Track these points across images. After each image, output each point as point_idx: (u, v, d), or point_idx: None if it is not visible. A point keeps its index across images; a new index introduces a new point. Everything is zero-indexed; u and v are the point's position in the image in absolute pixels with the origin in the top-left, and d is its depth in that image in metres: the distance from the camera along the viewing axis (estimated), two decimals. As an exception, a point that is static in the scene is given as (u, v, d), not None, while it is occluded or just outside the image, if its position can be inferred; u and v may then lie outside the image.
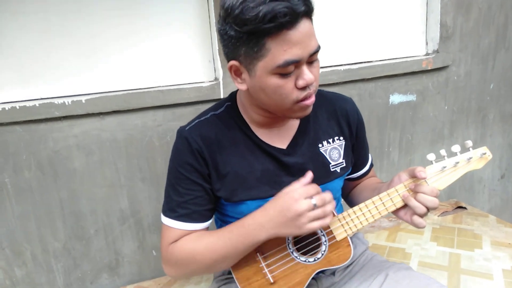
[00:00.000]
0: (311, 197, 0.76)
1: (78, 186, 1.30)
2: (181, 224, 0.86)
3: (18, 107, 1.17)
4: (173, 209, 0.87)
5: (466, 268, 1.29)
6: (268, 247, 0.85)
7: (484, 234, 1.50)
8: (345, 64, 1.59)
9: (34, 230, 1.29)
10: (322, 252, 0.86)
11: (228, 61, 0.79)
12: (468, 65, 1.79)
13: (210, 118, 0.90)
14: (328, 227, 0.85)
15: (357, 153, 1.01)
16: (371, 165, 1.08)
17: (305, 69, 0.74)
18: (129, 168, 1.35)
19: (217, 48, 1.35)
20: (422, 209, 0.80)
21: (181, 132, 0.88)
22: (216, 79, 1.41)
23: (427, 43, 1.74)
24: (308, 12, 0.72)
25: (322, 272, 0.95)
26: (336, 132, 0.95)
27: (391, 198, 0.85)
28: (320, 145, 0.92)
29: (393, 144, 1.75)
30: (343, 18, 1.58)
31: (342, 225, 0.86)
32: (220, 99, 1.34)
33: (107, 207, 1.35)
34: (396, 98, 1.70)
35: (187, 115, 1.36)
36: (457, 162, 0.85)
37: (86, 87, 1.29)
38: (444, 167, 0.85)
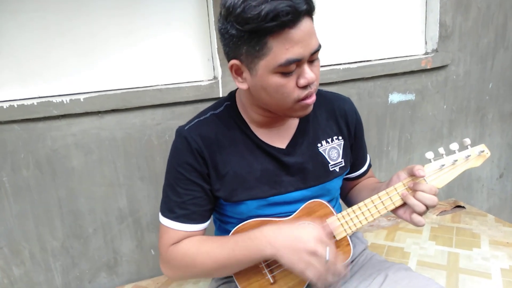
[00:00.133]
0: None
1: (77, 185, 1.30)
2: (180, 225, 0.86)
3: (16, 106, 1.17)
4: (171, 209, 0.86)
5: (465, 267, 1.29)
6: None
7: (482, 233, 1.50)
8: (344, 63, 1.59)
9: (32, 229, 1.28)
10: (322, 252, 0.86)
11: (229, 60, 0.79)
12: (467, 64, 1.80)
13: (210, 117, 0.89)
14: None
15: (355, 153, 1.01)
16: (369, 165, 1.08)
17: (306, 68, 0.74)
18: (127, 167, 1.34)
19: (216, 46, 1.34)
20: (421, 208, 0.81)
21: (180, 132, 0.88)
22: (215, 77, 1.41)
23: (426, 43, 1.74)
24: (309, 11, 0.72)
25: (321, 271, 0.95)
26: (335, 131, 0.95)
27: (390, 197, 0.85)
28: (319, 145, 0.92)
29: (392, 143, 1.76)
30: (342, 17, 1.58)
31: (341, 224, 0.86)
32: (219, 97, 1.34)
33: (105, 206, 1.35)
34: (395, 97, 1.70)
35: (186, 114, 1.35)
36: (456, 160, 0.85)
37: (85, 86, 1.29)
38: (443, 165, 0.85)
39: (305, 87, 0.76)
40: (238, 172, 0.86)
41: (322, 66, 1.52)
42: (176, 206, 0.86)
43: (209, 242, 0.84)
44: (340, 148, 0.95)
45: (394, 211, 0.86)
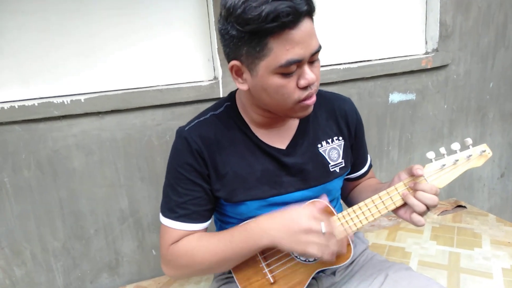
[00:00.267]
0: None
1: (78, 186, 1.30)
2: (180, 224, 0.86)
3: (17, 107, 1.17)
4: (172, 209, 0.87)
5: (466, 267, 1.29)
6: (269, 247, 0.85)
7: (483, 233, 1.50)
8: (344, 63, 1.59)
9: (34, 230, 1.29)
10: (322, 252, 0.86)
11: (229, 61, 0.79)
12: (467, 64, 1.79)
13: (210, 118, 0.89)
14: (331, 222, 0.85)
15: (356, 154, 1.01)
16: (370, 166, 1.08)
17: (306, 68, 0.74)
18: (128, 168, 1.34)
19: (217, 47, 1.34)
20: (422, 207, 0.80)
21: (180, 132, 0.88)
22: (215, 78, 1.41)
23: (426, 42, 1.74)
24: (310, 12, 0.72)
25: (322, 271, 0.95)
26: (335, 132, 0.95)
27: (390, 197, 0.84)
28: (319, 145, 0.92)
29: (392, 143, 1.75)
30: (342, 17, 1.58)
31: (341, 224, 0.85)
32: (220, 98, 1.34)
33: (106, 206, 1.35)
34: (395, 97, 1.70)
35: (186, 115, 1.36)
36: (457, 160, 0.85)
37: (85, 87, 1.29)
38: (444, 165, 0.85)
39: (305, 88, 0.76)
40: (238, 173, 0.86)
41: (322, 66, 1.52)
42: (176, 206, 0.86)
43: (207, 238, 0.85)
44: (340, 149, 0.95)
45: (395, 211, 0.86)
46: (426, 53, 1.74)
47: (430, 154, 0.85)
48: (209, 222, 0.90)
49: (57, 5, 1.20)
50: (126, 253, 1.41)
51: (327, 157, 0.92)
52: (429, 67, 1.68)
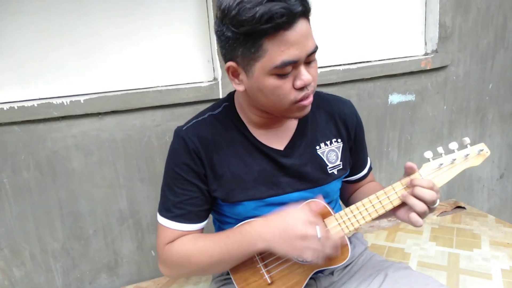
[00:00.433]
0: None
1: (77, 186, 1.30)
2: (177, 224, 0.86)
3: (16, 107, 1.17)
4: (169, 209, 0.87)
5: (465, 268, 1.29)
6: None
7: (483, 234, 1.50)
8: (344, 64, 1.59)
9: (33, 230, 1.29)
10: (320, 252, 0.86)
11: (226, 62, 0.79)
12: (467, 65, 1.80)
13: (208, 118, 0.90)
14: (325, 226, 0.85)
15: (355, 156, 1.00)
16: (370, 168, 1.08)
17: (302, 69, 0.74)
18: (127, 168, 1.35)
19: (216, 48, 1.35)
20: (421, 207, 0.79)
21: (178, 132, 0.88)
22: (215, 79, 1.41)
23: (426, 43, 1.74)
24: (305, 12, 0.71)
25: (320, 271, 0.95)
26: (334, 134, 0.95)
27: (388, 196, 0.84)
28: (317, 147, 0.92)
29: (392, 144, 1.75)
30: (342, 18, 1.58)
31: (339, 224, 0.85)
32: (219, 99, 1.34)
33: (106, 207, 1.35)
34: (395, 98, 1.70)
35: (186, 115, 1.36)
36: (454, 159, 0.85)
37: (85, 87, 1.29)
38: (441, 164, 0.85)
39: (301, 88, 0.76)
40: (236, 173, 0.86)
41: (322, 67, 1.52)
42: (173, 205, 0.86)
43: (202, 239, 0.85)
44: (339, 151, 0.95)
45: (394, 213, 0.86)
46: (426, 54, 1.74)
47: (428, 154, 0.85)
48: (205, 222, 0.90)
49: (57, 6, 1.21)
50: (126, 253, 1.42)
51: (325, 159, 0.92)
52: (428, 68, 1.68)
